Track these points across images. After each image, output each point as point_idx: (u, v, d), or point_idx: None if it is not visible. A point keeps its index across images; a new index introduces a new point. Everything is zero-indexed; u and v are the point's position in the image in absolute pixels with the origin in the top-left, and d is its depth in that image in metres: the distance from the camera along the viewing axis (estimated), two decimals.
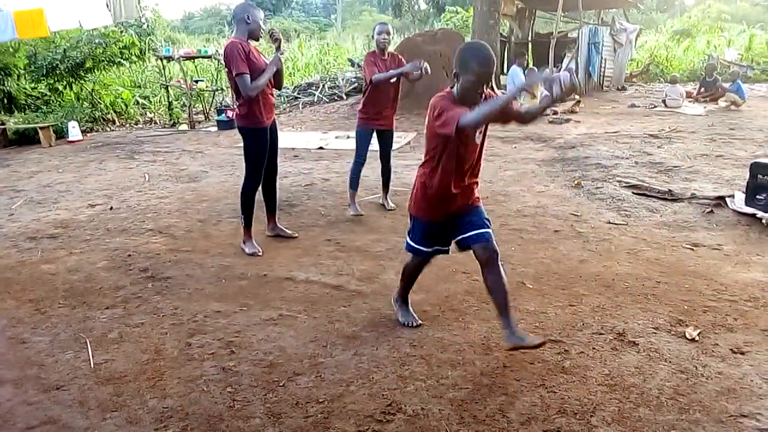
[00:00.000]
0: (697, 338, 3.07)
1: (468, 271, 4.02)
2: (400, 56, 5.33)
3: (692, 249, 4.46)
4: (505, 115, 2.78)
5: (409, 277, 3.30)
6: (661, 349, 2.98)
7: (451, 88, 2.79)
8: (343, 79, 15.49)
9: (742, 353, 2.93)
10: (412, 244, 3.13)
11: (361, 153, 5.41)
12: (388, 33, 5.20)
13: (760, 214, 4.97)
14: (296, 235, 4.82)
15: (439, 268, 4.09)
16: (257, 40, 4.27)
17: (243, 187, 4.45)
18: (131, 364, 2.93)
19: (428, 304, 3.54)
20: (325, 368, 2.86)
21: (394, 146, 8.59)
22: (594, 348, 3.00)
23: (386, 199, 5.67)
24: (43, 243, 4.90)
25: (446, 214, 2.98)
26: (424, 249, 3.11)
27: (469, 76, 2.66)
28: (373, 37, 5.33)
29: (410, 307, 3.37)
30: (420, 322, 3.28)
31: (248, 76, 4.07)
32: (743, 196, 5.30)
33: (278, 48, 4.29)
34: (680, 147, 8.14)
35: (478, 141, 2.87)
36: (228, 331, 3.24)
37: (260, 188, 4.53)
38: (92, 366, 2.93)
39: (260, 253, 4.41)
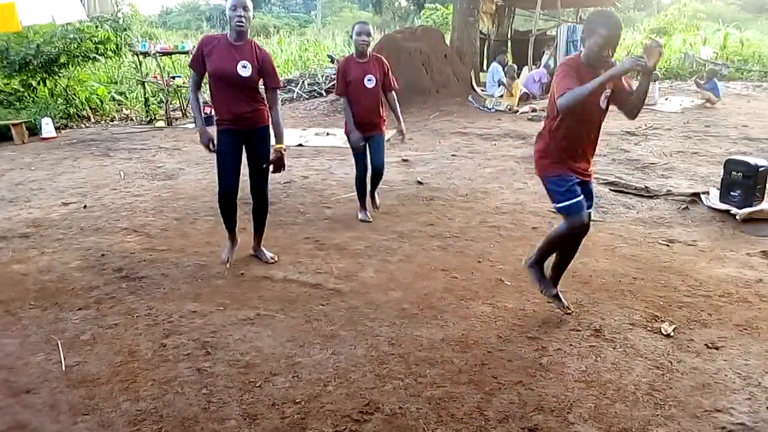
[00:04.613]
0: (672, 334, 3.10)
1: (447, 269, 4.02)
2: (382, 59, 4.91)
3: (668, 245, 4.51)
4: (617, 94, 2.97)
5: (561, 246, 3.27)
6: (637, 345, 3.00)
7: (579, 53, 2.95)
8: (322, 76, 15.41)
9: (717, 348, 2.97)
10: (563, 203, 3.05)
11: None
12: (369, 34, 4.72)
13: (734, 210, 5.05)
14: (274, 260, 4.21)
15: (418, 266, 4.09)
16: (241, 35, 3.70)
17: None
18: (104, 366, 2.88)
19: (407, 301, 3.53)
20: (302, 368, 2.83)
21: None
22: (571, 344, 3.01)
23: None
24: (15, 243, 4.79)
25: (573, 170, 3.05)
26: (576, 197, 3.01)
27: (595, 38, 2.80)
28: (351, 37, 4.80)
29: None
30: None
31: (196, 73, 3.79)
32: (718, 192, 5.37)
33: None
34: (656, 144, 8.24)
35: (604, 105, 2.96)
36: (204, 332, 3.20)
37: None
38: (64, 368, 2.87)
39: (228, 263, 4.12)
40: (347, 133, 4.98)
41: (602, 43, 2.80)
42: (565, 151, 3.04)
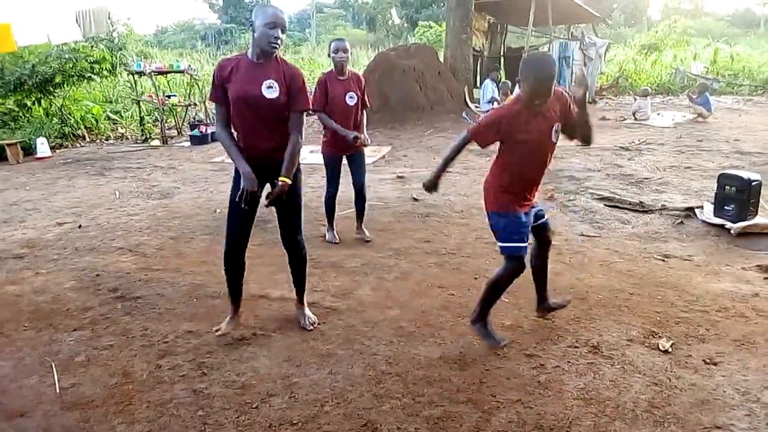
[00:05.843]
0: (670, 350, 3.09)
1: (444, 286, 4.01)
2: (360, 76, 4.88)
3: (663, 260, 4.51)
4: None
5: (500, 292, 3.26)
6: (635, 361, 2.99)
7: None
8: None
9: (715, 364, 2.96)
10: (509, 244, 3.05)
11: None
12: (345, 50, 4.59)
13: (728, 224, 5.07)
14: (314, 326, 3.46)
15: (415, 283, 4.08)
16: (269, 55, 3.01)
17: None
18: (99, 389, 2.85)
19: (404, 319, 3.51)
20: (299, 388, 2.81)
21: (370, 159, 8.63)
22: (569, 361, 3.00)
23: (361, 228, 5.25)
24: (9, 263, 4.76)
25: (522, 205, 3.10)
26: (523, 245, 3.05)
27: (526, 87, 2.84)
28: (329, 55, 4.69)
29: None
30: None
31: (220, 106, 3.07)
32: (712, 207, 5.40)
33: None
34: (650, 159, 8.29)
35: (555, 139, 3.01)
36: (199, 352, 3.17)
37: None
38: (58, 391, 2.84)
39: (226, 333, 3.35)
40: (326, 152, 4.95)
41: (530, 93, 2.81)
42: (515, 185, 3.08)
